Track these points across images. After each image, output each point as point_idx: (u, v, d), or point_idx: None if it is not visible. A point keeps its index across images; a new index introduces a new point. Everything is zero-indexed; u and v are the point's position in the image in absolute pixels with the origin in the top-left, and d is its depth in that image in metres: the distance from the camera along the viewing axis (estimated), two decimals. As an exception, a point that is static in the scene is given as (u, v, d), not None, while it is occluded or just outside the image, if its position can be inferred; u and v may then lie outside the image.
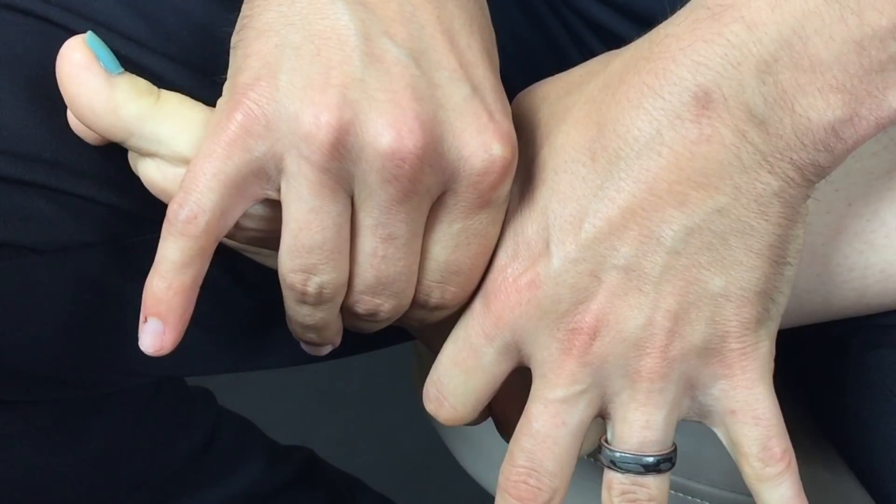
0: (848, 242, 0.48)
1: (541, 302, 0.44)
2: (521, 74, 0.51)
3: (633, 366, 0.44)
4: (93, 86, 0.45)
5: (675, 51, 0.42)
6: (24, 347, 0.51)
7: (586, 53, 0.50)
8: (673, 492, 0.66)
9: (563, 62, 0.52)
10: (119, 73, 0.45)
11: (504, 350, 0.46)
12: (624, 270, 0.43)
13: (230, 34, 0.45)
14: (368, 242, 0.44)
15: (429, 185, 0.43)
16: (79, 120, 0.46)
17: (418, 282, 0.46)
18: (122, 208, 0.51)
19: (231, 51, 0.45)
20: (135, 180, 0.47)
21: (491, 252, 0.46)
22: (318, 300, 0.45)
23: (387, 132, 0.42)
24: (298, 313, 0.46)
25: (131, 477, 0.63)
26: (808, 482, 0.64)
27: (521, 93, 0.49)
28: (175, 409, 0.66)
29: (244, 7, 0.45)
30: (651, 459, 0.45)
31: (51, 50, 0.48)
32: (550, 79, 0.48)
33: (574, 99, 0.45)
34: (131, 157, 0.47)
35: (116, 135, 0.46)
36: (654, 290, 0.43)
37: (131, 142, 0.46)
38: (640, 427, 0.45)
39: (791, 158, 0.42)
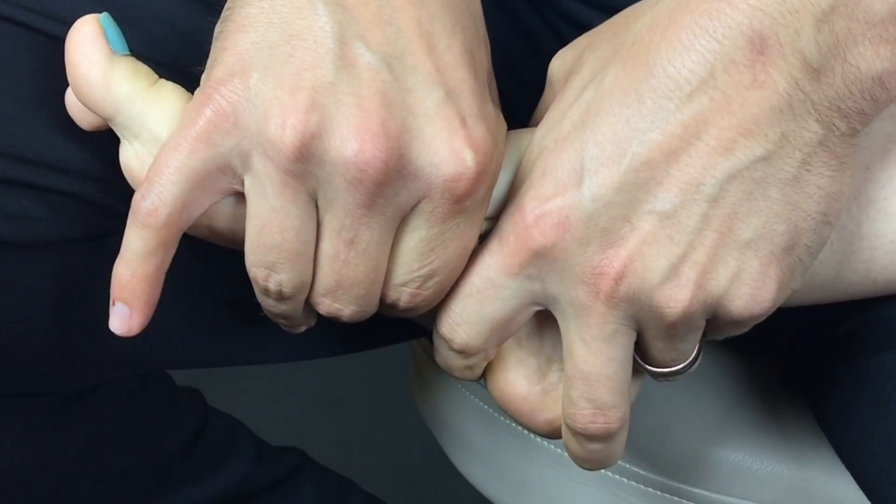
0: (861, 209, 0.48)
1: (568, 244, 0.44)
2: (499, 71, 0.50)
3: (657, 306, 0.44)
4: (93, 58, 0.45)
5: None
6: (7, 342, 0.51)
7: None
8: (669, 495, 0.66)
9: (542, 58, 0.51)
10: (123, 54, 0.46)
11: (526, 283, 0.45)
12: (659, 217, 0.43)
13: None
14: (330, 245, 0.44)
15: (397, 191, 0.43)
16: (73, 89, 0.46)
17: (389, 285, 0.46)
18: (106, 205, 0.51)
19: (213, 41, 0.45)
20: (118, 178, 0.48)
21: (469, 252, 0.46)
22: (279, 297, 0.45)
23: (352, 139, 0.42)
24: (265, 302, 0.47)
25: (114, 471, 0.63)
26: (807, 485, 0.64)
27: (562, 49, 0.49)
28: (161, 406, 0.66)
29: (229, 1, 0.45)
30: (681, 367, 0.47)
31: (36, 56, 0.50)
32: (592, 30, 0.48)
33: (621, 40, 0.44)
34: (121, 146, 0.47)
35: (105, 109, 0.46)
36: (687, 240, 0.43)
37: (117, 119, 0.46)
38: (673, 360, 0.47)
39: (839, 107, 0.42)
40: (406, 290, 0.46)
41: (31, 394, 0.57)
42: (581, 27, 0.58)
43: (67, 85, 0.46)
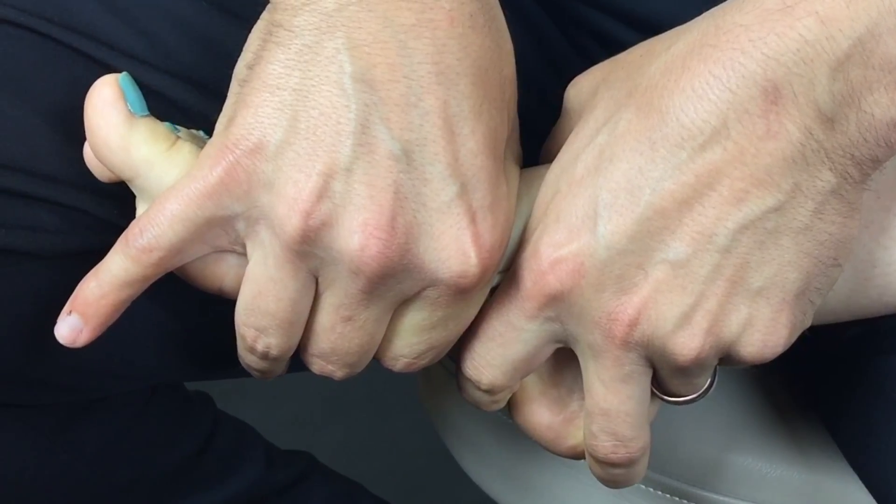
0: (873, 237, 0.48)
1: (584, 290, 0.44)
2: (521, 89, 0.50)
3: (670, 351, 0.44)
4: (113, 122, 0.45)
5: (744, 42, 0.41)
6: (23, 352, 0.51)
7: (589, 64, 0.50)
8: (678, 499, 0.66)
9: (562, 71, 0.51)
10: (142, 116, 0.46)
11: (545, 325, 0.46)
12: (671, 266, 0.43)
13: (231, 50, 0.45)
14: (328, 318, 0.45)
15: (400, 281, 0.43)
16: (93, 151, 0.46)
17: (386, 354, 0.46)
18: (121, 225, 0.51)
19: (233, 80, 0.44)
20: (133, 198, 0.47)
21: (467, 326, 0.46)
22: (265, 357, 0.46)
23: (359, 231, 0.42)
24: (247, 358, 0.47)
25: (127, 478, 0.63)
26: (816, 489, 0.64)
27: (580, 76, 0.48)
28: (172, 412, 0.66)
29: (256, 41, 0.44)
30: (696, 396, 0.48)
31: (55, 67, 0.49)
32: (607, 62, 0.48)
33: (636, 83, 0.44)
34: (137, 201, 0.48)
35: (124, 172, 0.46)
36: (699, 289, 0.43)
37: (136, 182, 0.46)
38: (687, 392, 0.47)
39: (852, 154, 0.41)
40: (403, 359, 0.46)
41: (43, 403, 0.56)
42: (601, 39, 0.58)
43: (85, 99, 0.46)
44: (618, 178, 0.43)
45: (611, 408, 0.46)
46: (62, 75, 0.49)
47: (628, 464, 0.48)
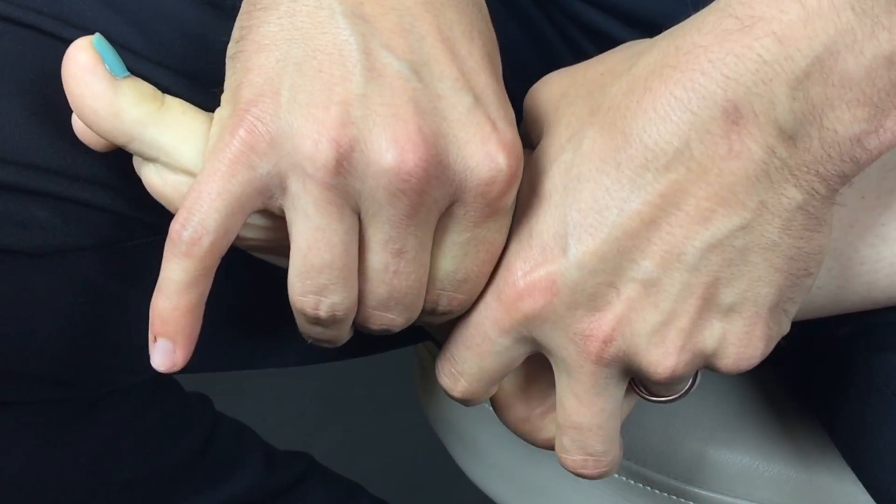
0: (859, 236, 0.48)
1: (556, 308, 0.44)
2: (513, 79, 0.51)
3: (645, 368, 0.45)
4: (97, 88, 0.45)
5: (703, 63, 0.41)
6: (19, 349, 0.51)
7: (580, 56, 0.50)
8: (675, 497, 0.66)
9: (553, 62, 0.52)
10: (124, 77, 0.45)
11: (519, 340, 0.46)
12: (642, 284, 0.43)
13: (225, 43, 0.45)
14: (379, 258, 0.44)
15: (436, 198, 0.43)
16: (82, 121, 0.46)
17: (430, 290, 0.46)
18: (117, 213, 0.51)
19: (228, 61, 0.44)
20: (129, 185, 0.47)
21: (497, 258, 0.46)
22: (332, 322, 0.45)
23: (391, 148, 0.42)
24: (312, 331, 0.46)
25: (126, 479, 0.63)
26: (813, 487, 0.64)
27: (538, 84, 0.49)
28: (171, 413, 0.66)
29: (242, 17, 0.44)
30: (684, 390, 0.48)
31: (45, 58, 0.49)
32: (567, 71, 0.48)
33: (598, 102, 0.45)
34: (135, 159, 0.47)
35: (118, 138, 0.45)
36: (670, 307, 0.43)
37: (132, 146, 0.45)
38: (668, 393, 0.48)
39: (817, 171, 0.41)
40: (444, 294, 0.46)
41: (44, 401, 0.57)
42: (591, 31, 0.59)
43: None
44: (586, 197, 0.43)
45: (583, 422, 0.46)
46: (52, 66, 0.49)
47: (598, 476, 0.48)
